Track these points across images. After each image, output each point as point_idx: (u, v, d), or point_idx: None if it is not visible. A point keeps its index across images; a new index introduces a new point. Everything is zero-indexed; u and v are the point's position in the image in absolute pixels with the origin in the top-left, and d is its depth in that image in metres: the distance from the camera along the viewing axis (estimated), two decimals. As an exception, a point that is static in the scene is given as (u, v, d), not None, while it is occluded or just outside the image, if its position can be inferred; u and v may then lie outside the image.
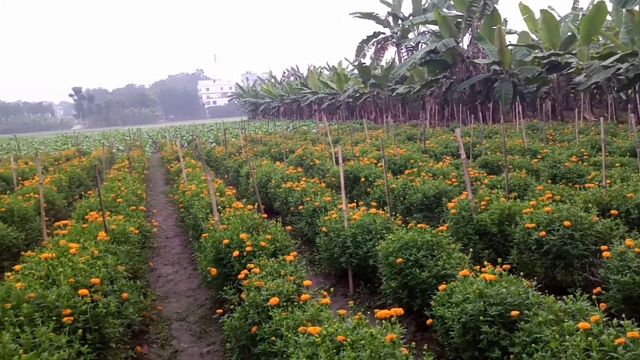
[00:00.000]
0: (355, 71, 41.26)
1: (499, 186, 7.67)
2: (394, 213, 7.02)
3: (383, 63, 39.92)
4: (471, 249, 4.97)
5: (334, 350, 2.74)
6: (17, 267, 4.21)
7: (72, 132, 44.80)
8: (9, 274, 4.25)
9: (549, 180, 8.57)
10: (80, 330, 3.23)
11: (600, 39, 24.97)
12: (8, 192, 10.94)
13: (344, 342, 2.78)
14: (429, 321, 4.03)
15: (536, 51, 25.54)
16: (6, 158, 21.28)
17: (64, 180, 12.72)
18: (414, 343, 2.82)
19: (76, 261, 4.08)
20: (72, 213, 7.95)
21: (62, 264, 4.02)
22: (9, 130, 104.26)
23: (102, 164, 17.04)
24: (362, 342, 2.70)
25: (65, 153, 24.09)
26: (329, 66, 57.82)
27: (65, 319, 3.25)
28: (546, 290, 3.93)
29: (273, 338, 3.35)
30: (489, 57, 26.06)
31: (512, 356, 3.19)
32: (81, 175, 14.71)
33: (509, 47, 25.96)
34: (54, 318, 3.27)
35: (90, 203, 7.61)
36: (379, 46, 39.52)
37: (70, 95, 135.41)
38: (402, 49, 38.43)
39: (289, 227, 6.42)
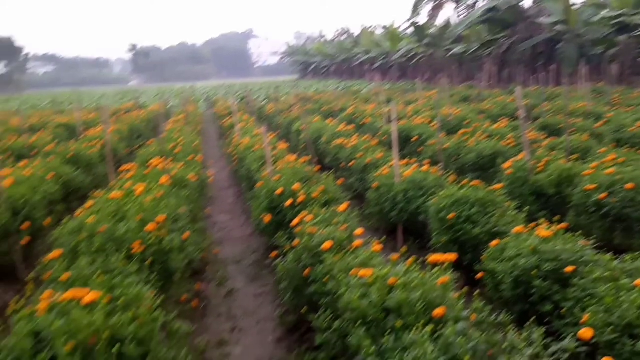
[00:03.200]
0: (410, 31, 40.07)
1: (558, 148, 7.43)
2: (446, 171, 6.96)
3: (439, 22, 38.54)
4: (526, 210, 4.90)
5: (386, 291, 2.84)
6: (87, 204, 4.52)
7: (129, 87, 46.32)
8: (79, 210, 4.57)
9: (613, 145, 8.21)
10: (149, 261, 3.49)
11: (680, -3, 23.06)
12: (73, 139, 11.55)
13: (396, 284, 2.86)
14: (479, 275, 4.05)
15: (605, 11, 23.92)
16: (70, 108, 22.32)
17: (125, 131, 13.27)
18: (465, 288, 2.87)
19: (142, 201, 4.34)
20: (134, 160, 8.34)
21: (129, 202, 4.29)
22: (69, 84, 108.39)
23: (159, 117, 17.61)
24: (413, 284, 2.78)
25: (124, 106, 24.99)
26: (382, 25, 56.40)
27: (134, 250, 3.51)
28: (604, 249, 3.86)
29: (326, 279, 3.48)
30: (553, 17, 24.67)
31: (564, 310, 3.19)
32: (140, 127, 15.30)
33: (575, 6, 24.43)
34: (124, 249, 3.53)
35: (150, 151, 7.95)
36: (435, 4, 38.09)
37: (128, 52, 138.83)
38: (460, 7, 36.89)
39: (340, 180, 6.51)
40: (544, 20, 25.74)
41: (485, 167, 7.58)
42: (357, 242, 3.82)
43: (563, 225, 3.91)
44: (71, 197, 7.73)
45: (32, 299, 2.99)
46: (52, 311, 2.65)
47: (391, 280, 2.90)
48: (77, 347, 2.44)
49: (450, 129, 10.53)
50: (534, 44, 26.33)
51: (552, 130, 9.96)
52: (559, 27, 25.37)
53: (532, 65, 27.05)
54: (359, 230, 4.26)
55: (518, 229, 3.95)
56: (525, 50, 26.98)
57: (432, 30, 36.47)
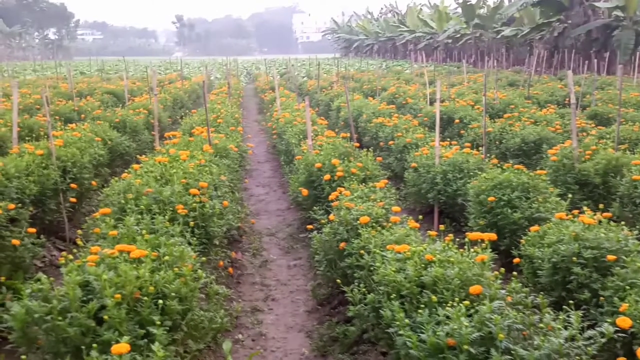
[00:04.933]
0: (459, 10, 38.95)
1: (607, 137, 7.18)
2: (488, 155, 6.85)
3: (490, 2, 37.26)
4: (569, 198, 4.78)
5: (422, 266, 2.85)
6: (135, 166, 4.68)
7: (174, 59, 47.04)
8: (126, 174, 4.74)
9: (666, 137, 7.85)
10: (192, 223, 3.61)
11: None
12: (120, 106, 11.89)
13: (432, 261, 2.87)
14: (517, 260, 4.01)
15: (671, -4, 22.61)
16: (117, 76, 22.88)
17: (169, 101, 13.55)
18: (502, 269, 2.86)
19: (186, 167, 4.47)
20: (178, 129, 8.53)
21: (174, 167, 4.42)
22: (117, 52, 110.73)
23: (202, 89, 17.88)
24: (451, 260, 2.78)
25: (168, 77, 25.46)
26: (430, 4, 54.95)
27: (179, 211, 3.63)
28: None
29: (362, 252, 3.52)
30: (612, 1, 23.48)
31: (602, 299, 3.13)
32: (183, 98, 15.59)
33: (638, -10, 23.17)
34: (169, 211, 3.66)
35: (194, 120, 8.12)
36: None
37: (173, 23, 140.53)
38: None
39: (379, 158, 6.50)
40: (602, 4, 24.54)
41: (529, 153, 7.41)
42: (394, 218, 3.83)
43: (607, 214, 3.81)
44: (116, 161, 8.00)
45: (80, 253, 3.15)
46: (101, 264, 2.79)
47: (428, 257, 2.92)
48: (123, 298, 2.58)
49: (495, 113, 10.31)
50: (588, 29, 25.19)
51: (602, 120, 9.63)
52: (617, 13, 24.14)
53: (585, 52, 25.89)
54: (396, 208, 4.28)
55: (560, 215, 3.87)
56: (579, 35, 25.85)
57: (482, 11, 35.33)
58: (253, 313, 4.54)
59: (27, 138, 7.18)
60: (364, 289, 3.34)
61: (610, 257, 3.27)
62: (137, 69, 37.34)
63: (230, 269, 4.95)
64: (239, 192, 6.79)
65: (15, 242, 4.07)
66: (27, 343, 2.71)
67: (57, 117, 9.56)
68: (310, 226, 5.10)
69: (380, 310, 2.94)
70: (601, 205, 3.99)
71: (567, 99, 11.54)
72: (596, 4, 24.94)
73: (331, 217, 4.41)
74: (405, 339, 2.48)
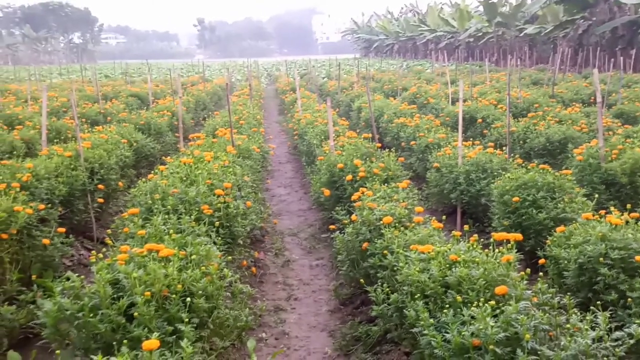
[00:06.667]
0: (480, 8, 38.54)
1: (634, 136, 7.03)
2: (512, 155, 6.78)
3: (512, 0, 36.77)
4: (595, 198, 4.71)
5: (447, 266, 2.85)
6: (161, 167, 4.78)
7: (196, 61, 47.62)
8: (151, 175, 4.83)
9: (696, 136, 7.66)
10: (217, 223, 3.67)
11: None
12: (144, 108, 12.08)
13: (457, 261, 2.87)
14: (542, 261, 3.96)
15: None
16: (141, 79, 23.24)
17: (192, 103, 13.73)
18: (528, 269, 2.84)
19: (210, 167, 4.54)
20: (201, 130, 8.65)
21: (199, 168, 4.50)
22: (139, 56, 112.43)
23: (223, 91, 18.06)
24: (476, 260, 2.78)
25: (190, 79, 25.77)
26: (451, 3, 54.50)
27: (205, 212, 3.70)
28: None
29: (385, 252, 3.53)
30: (639, -3, 22.97)
31: (629, 300, 3.09)
32: (205, 100, 15.78)
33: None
34: (194, 211, 3.72)
35: (216, 122, 8.22)
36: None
37: (194, 26, 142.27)
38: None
39: (401, 159, 6.49)
40: (627, 0, 24.01)
41: (553, 153, 7.31)
42: (418, 219, 3.83)
43: (634, 214, 3.74)
44: (141, 162, 8.15)
45: (109, 252, 3.23)
46: (130, 262, 2.86)
47: (452, 257, 2.91)
48: (152, 296, 2.64)
49: (518, 113, 10.19)
50: (613, 26, 24.68)
51: (628, 118, 9.44)
52: (643, 9, 23.63)
53: (610, 49, 25.39)
54: (419, 208, 4.27)
55: (587, 215, 3.82)
56: (603, 33, 25.35)
57: (505, 9, 34.89)
58: (276, 312, 4.58)
59: (55, 140, 7.37)
60: (387, 289, 3.35)
61: (639, 257, 3.21)
62: (160, 72, 37.85)
63: (254, 269, 5.00)
64: (261, 193, 6.85)
65: (46, 241, 4.20)
66: (58, 339, 2.79)
67: (83, 120, 9.78)
68: (332, 226, 5.12)
69: (404, 310, 2.95)
70: (628, 205, 3.92)
71: (593, 98, 11.35)
72: (622, 0, 24.42)
73: (353, 217, 4.42)
74: (429, 339, 2.49)
